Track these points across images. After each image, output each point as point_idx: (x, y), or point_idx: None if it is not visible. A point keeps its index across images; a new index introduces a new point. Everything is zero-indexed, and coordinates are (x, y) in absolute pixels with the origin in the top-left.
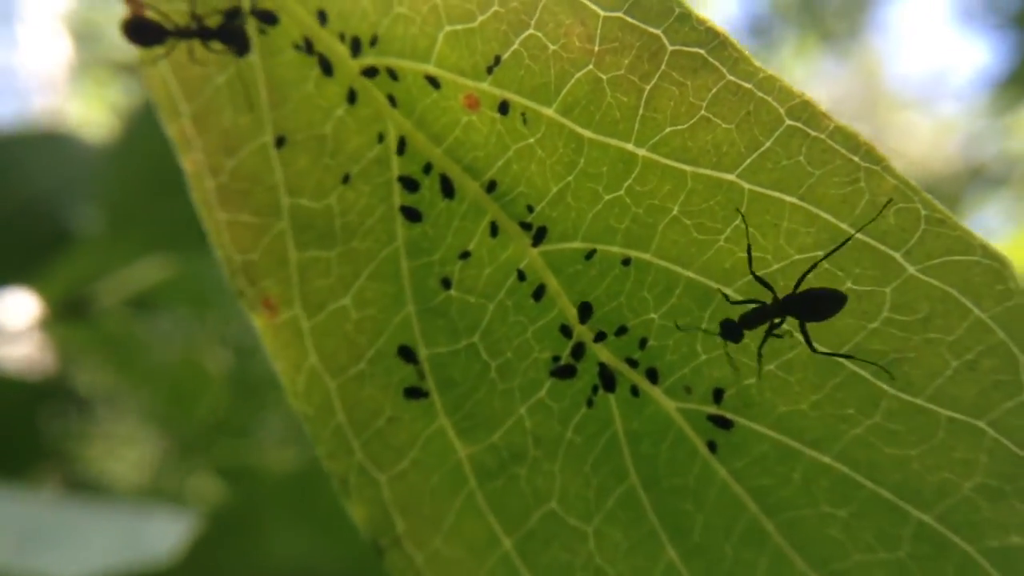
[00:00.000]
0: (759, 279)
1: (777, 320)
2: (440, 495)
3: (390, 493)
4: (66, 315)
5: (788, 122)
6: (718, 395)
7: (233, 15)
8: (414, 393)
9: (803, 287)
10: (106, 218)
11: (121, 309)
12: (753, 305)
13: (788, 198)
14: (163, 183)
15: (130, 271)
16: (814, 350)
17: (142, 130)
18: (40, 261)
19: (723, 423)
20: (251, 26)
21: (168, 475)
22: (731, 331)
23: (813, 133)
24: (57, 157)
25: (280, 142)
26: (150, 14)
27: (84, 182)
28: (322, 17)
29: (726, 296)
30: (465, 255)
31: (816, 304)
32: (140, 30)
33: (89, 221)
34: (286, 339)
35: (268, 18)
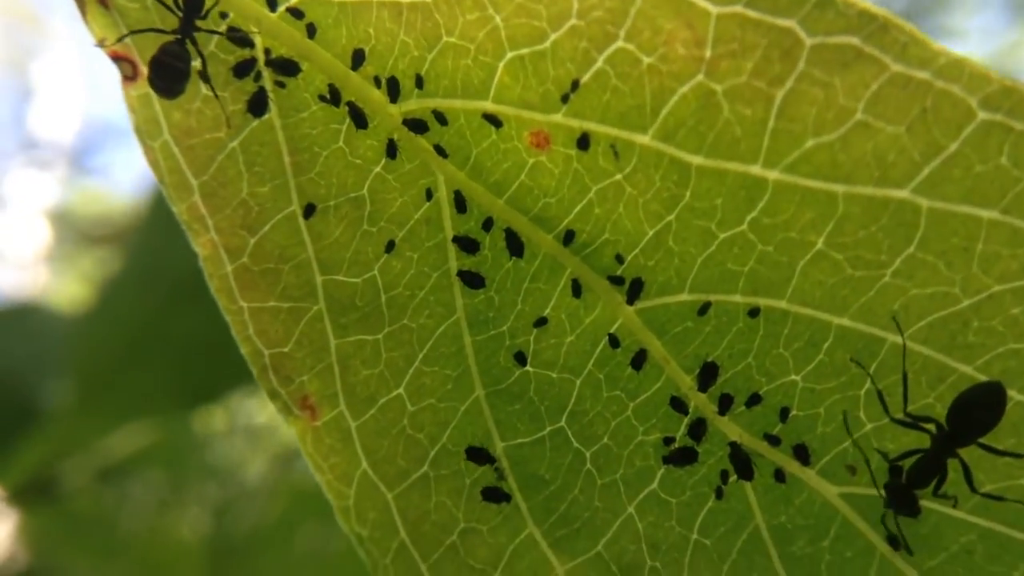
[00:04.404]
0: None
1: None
2: None
3: None
4: (32, 498)
5: (982, 115)
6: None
7: (244, 69)
8: (492, 496)
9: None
10: (77, 390)
11: (90, 487)
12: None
13: (985, 213)
14: (136, 349)
15: (100, 444)
16: (1019, 456)
17: (114, 297)
18: (7, 442)
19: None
20: (267, 80)
21: None
22: (902, 500)
23: (1019, 127)
24: (26, 332)
25: (309, 211)
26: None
27: (54, 356)
28: (357, 58)
29: (884, 455)
30: (541, 322)
31: (980, 413)
32: (163, 68)
33: (59, 395)
34: (330, 445)
35: (288, 68)
